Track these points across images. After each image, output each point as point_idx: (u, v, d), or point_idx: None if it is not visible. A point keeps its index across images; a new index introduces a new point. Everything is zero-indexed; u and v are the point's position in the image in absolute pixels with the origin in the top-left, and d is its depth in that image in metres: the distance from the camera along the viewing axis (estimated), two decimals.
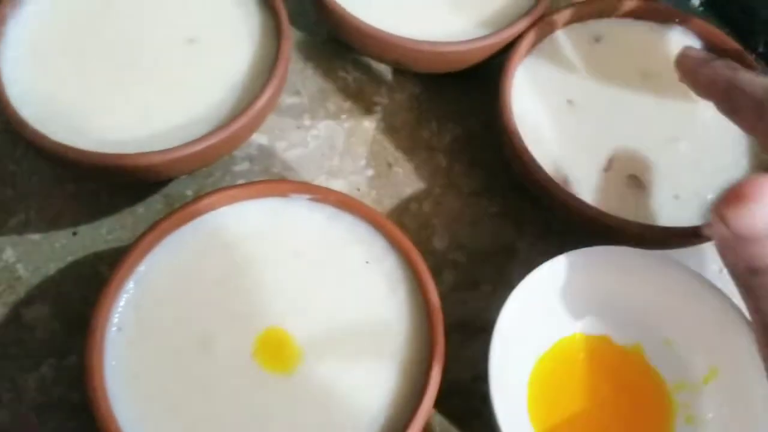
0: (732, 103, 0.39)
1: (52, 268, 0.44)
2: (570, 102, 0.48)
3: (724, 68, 0.40)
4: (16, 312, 0.43)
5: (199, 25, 0.47)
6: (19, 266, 0.44)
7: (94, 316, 0.36)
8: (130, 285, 0.38)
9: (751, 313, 0.32)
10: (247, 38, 0.47)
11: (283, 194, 0.42)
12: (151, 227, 0.39)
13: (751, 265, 0.29)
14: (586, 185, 0.45)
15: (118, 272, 0.37)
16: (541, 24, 0.49)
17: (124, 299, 0.38)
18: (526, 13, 0.49)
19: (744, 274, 0.30)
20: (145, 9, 0.46)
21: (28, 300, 0.43)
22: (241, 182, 0.48)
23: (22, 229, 0.45)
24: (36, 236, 0.45)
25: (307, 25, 0.55)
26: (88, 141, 0.41)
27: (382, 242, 0.41)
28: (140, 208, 0.47)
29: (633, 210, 0.44)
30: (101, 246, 0.45)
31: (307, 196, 0.42)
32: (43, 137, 0.40)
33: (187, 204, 0.40)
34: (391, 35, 0.47)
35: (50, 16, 0.45)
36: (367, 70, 0.55)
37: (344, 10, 0.48)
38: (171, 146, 0.41)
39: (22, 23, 0.45)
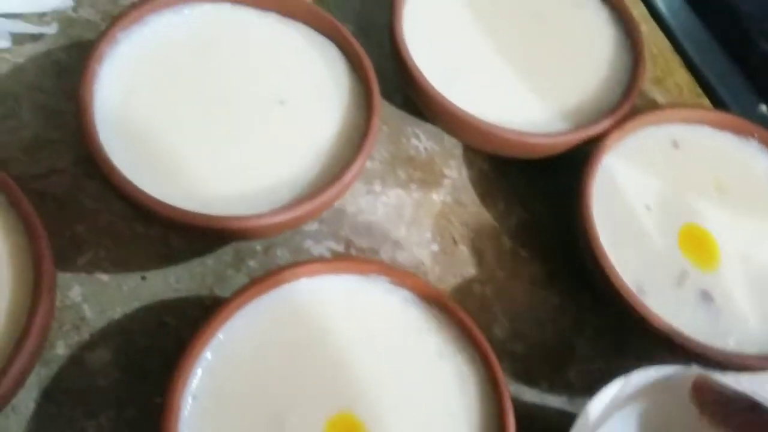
0: None
1: (118, 312, 0.44)
2: (647, 207, 0.48)
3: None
4: (80, 355, 0.42)
5: (289, 86, 0.47)
6: (85, 306, 0.43)
7: (172, 383, 0.36)
8: (207, 354, 0.38)
9: None
10: (335, 103, 0.47)
11: (363, 273, 0.42)
12: (233, 296, 0.39)
13: None
14: (658, 296, 0.45)
15: (198, 339, 0.37)
16: (624, 124, 0.49)
17: (200, 368, 0.37)
18: (611, 112, 0.50)
19: None
20: (240, 66, 0.47)
21: (92, 343, 0.43)
22: (309, 242, 0.48)
23: (91, 268, 0.45)
24: (104, 277, 0.45)
25: (384, 88, 0.55)
26: (173, 191, 0.41)
27: (455, 334, 0.41)
28: (209, 260, 0.46)
29: (703, 327, 0.44)
30: (168, 294, 0.45)
31: (386, 279, 0.42)
32: (133, 187, 0.40)
33: (269, 273, 0.40)
34: (481, 122, 0.47)
35: (147, 60, 0.45)
36: (439, 141, 0.55)
37: (433, 88, 0.48)
38: (257, 207, 0.41)
39: (117, 64, 0.45)
